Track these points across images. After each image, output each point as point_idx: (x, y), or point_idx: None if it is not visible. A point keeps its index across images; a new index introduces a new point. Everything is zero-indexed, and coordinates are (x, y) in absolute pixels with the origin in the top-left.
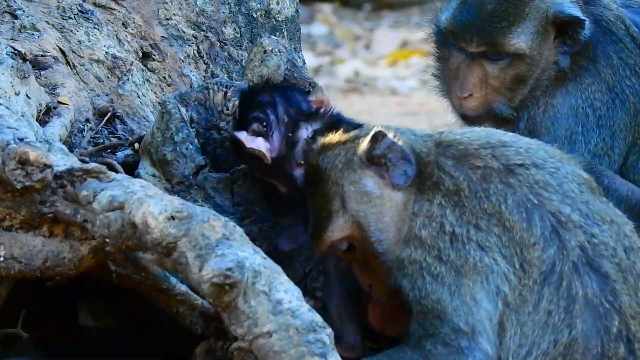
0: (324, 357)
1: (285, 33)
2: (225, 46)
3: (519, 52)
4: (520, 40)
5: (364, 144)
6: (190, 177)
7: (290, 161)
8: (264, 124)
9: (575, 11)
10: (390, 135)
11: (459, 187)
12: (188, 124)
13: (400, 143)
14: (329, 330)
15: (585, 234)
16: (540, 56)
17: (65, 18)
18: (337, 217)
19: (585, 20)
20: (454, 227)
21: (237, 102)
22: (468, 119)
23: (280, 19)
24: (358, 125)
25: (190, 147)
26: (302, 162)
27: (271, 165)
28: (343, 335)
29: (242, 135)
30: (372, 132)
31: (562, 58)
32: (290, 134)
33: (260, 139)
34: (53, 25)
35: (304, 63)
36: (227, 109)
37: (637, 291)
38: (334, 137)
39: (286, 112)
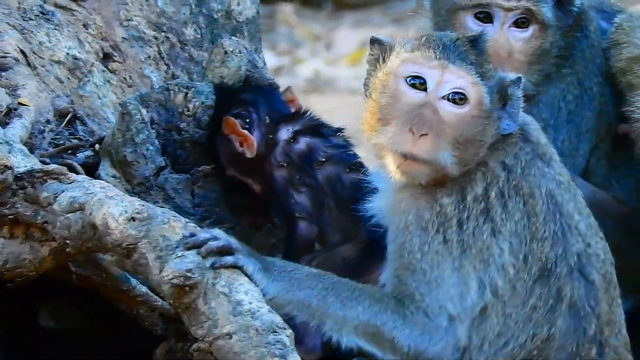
0: (284, 358)
1: (245, 34)
2: (185, 47)
3: (544, 21)
4: (546, 7)
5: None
6: (151, 178)
7: (270, 161)
8: (247, 121)
9: None
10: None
11: (519, 157)
12: (148, 125)
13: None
14: (289, 331)
15: (584, 243)
16: (553, 29)
17: (26, 19)
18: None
19: None
20: (493, 200)
21: (197, 103)
22: None
23: (240, 20)
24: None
25: (151, 148)
26: (284, 163)
27: (249, 162)
28: (304, 338)
29: (236, 120)
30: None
31: (559, 36)
32: (270, 135)
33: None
34: (14, 26)
35: (265, 64)
36: (188, 110)
37: (613, 301)
38: None
39: (267, 113)
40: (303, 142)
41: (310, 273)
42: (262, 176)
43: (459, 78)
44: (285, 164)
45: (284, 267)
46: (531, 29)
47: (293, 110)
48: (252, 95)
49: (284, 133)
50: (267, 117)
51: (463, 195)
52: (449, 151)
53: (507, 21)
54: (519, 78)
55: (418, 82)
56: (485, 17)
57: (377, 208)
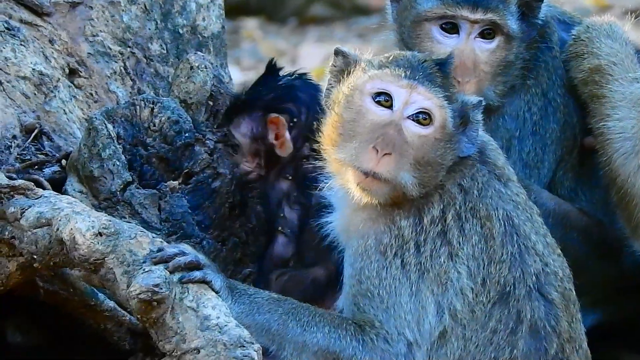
0: None
1: (211, 49)
2: (151, 62)
3: (510, 33)
4: (512, 19)
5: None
6: (117, 193)
7: (279, 170)
8: (294, 121)
9: None
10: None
11: (476, 179)
12: (115, 141)
13: None
14: (257, 345)
15: (542, 262)
16: (518, 41)
17: None
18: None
19: None
20: (452, 220)
21: (163, 118)
22: None
23: (206, 35)
24: None
25: (117, 163)
26: (289, 176)
27: (268, 157)
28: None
29: (285, 120)
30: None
31: (523, 48)
32: (298, 146)
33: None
34: None
35: (231, 79)
36: (154, 125)
37: (573, 318)
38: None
39: (310, 124)
40: (312, 164)
41: (270, 297)
42: (266, 179)
43: (426, 100)
44: (290, 178)
45: (245, 290)
46: (497, 40)
47: None
48: (308, 99)
49: (306, 149)
50: (306, 128)
51: (420, 217)
52: (411, 172)
53: (473, 32)
54: (480, 102)
55: (383, 99)
56: (452, 28)
57: (333, 226)
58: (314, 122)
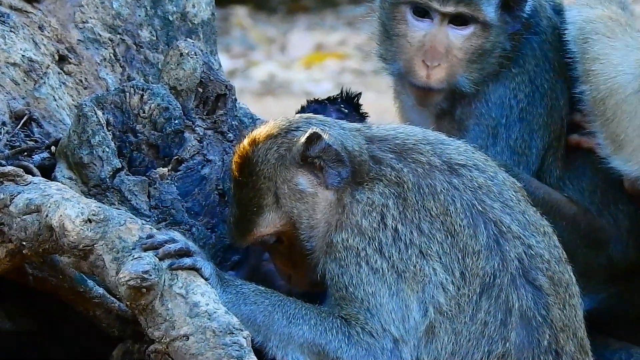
0: (241, 359)
1: (201, 36)
2: (141, 49)
3: (486, 21)
4: (489, 9)
5: (299, 144)
6: (107, 180)
7: None
8: None
9: None
10: (325, 136)
11: (401, 179)
12: (104, 127)
13: (335, 145)
14: (246, 332)
15: (523, 245)
16: (496, 30)
17: None
18: (269, 212)
19: None
20: (397, 223)
21: (153, 105)
22: (429, 96)
23: (196, 22)
24: None
25: (107, 150)
26: None
27: None
28: None
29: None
30: (307, 133)
31: (504, 38)
32: None
33: None
34: None
35: (220, 66)
36: (144, 112)
37: (565, 304)
38: (265, 128)
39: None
40: None
41: (257, 289)
42: None
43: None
44: None
45: (232, 281)
46: (471, 28)
47: None
48: (347, 110)
49: None
50: None
51: (384, 221)
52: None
53: (445, 19)
54: None
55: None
56: (426, 12)
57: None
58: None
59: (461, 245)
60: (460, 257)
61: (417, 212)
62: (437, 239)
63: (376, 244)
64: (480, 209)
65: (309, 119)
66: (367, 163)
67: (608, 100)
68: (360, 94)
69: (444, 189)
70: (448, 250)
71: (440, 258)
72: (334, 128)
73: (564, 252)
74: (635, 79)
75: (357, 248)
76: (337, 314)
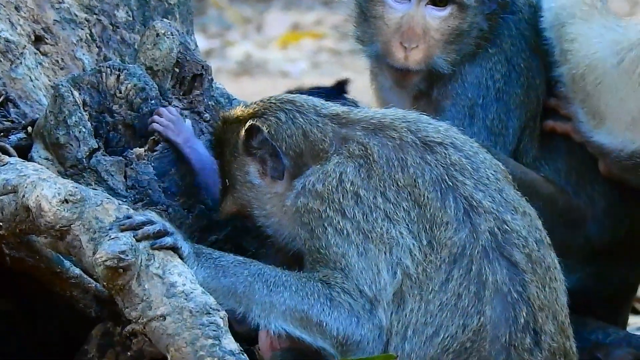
0: (218, 339)
1: (177, 16)
2: (117, 29)
3: (464, 2)
4: None
5: (241, 134)
6: (84, 160)
7: None
8: None
9: None
10: (265, 129)
11: (366, 151)
12: (81, 107)
13: (274, 138)
14: (223, 312)
15: (497, 219)
16: (473, 10)
17: None
18: (228, 193)
19: None
20: (359, 188)
21: (129, 85)
22: (407, 77)
23: (172, 2)
24: None
25: (83, 130)
26: None
27: None
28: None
29: None
30: (247, 125)
31: (481, 19)
32: None
33: None
34: None
35: (196, 46)
36: (120, 92)
37: (545, 284)
38: (238, 110)
39: None
40: None
41: (236, 260)
42: None
43: None
44: None
45: (211, 254)
46: (449, 9)
47: None
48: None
49: None
50: None
51: (342, 185)
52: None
53: (423, 0)
54: None
55: None
56: None
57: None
58: None
59: (428, 216)
60: (427, 227)
61: (382, 182)
62: (403, 207)
63: (336, 206)
64: (450, 184)
65: (283, 103)
66: (333, 146)
67: (588, 75)
68: (347, 79)
69: (414, 162)
70: (415, 219)
71: (408, 225)
72: (307, 114)
73: (548, 238)
74: (614, 55)
75: (319, 210)
76: (317, 277)
